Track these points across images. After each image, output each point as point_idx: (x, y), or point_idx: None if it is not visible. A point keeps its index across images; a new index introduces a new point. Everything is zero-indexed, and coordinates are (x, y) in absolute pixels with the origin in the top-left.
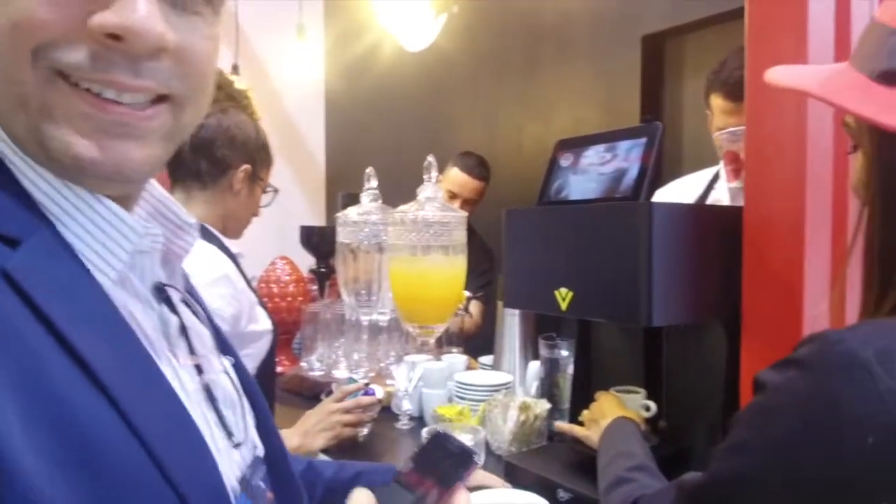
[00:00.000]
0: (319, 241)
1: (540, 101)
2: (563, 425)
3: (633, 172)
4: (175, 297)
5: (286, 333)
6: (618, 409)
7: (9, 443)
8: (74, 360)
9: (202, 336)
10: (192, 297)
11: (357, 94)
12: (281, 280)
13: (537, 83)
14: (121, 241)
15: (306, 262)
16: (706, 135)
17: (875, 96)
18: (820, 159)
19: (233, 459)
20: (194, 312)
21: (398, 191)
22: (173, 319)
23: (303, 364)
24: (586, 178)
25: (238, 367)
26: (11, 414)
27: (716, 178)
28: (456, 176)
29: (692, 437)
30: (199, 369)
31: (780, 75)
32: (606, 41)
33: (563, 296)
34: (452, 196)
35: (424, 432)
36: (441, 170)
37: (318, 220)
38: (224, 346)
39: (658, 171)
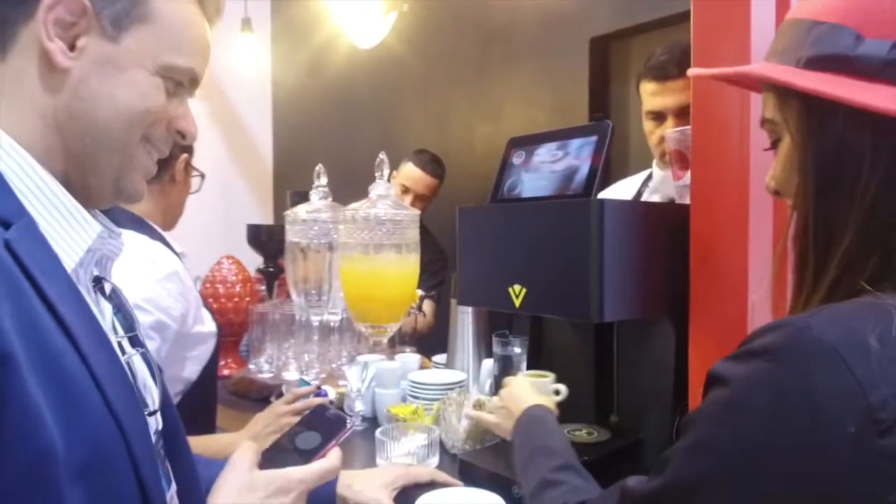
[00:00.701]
0: (267, 239)
1: (490, 101)
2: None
3: (584, 170)
4: (107, 289)
5: (233, 335)
6: (530, 394)
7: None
8: (57, 321)
9: (125, 324)
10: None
11: (306, 90)
12: (227, 280)
13: (488, 83)
14: (83, 236)
15: (254, 261)
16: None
17: (808, 77)
18: (762, 157)
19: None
20: (121, 304)
21: (349, 189)
22: (108, 306)
23: (251, 366)
24: (538, 175)
25: (147, 356)
26: (19, 349)
27: (649, 177)
28: (410, 171)
29: (643, 431)
30: (121, 348)
31: (702, 70)
32: (555, 43)
33: (517, 293)
34: (405, 191)
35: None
36: (395, 167)
37: (266, 219)
38: (137, 338)
39: (608, 169)
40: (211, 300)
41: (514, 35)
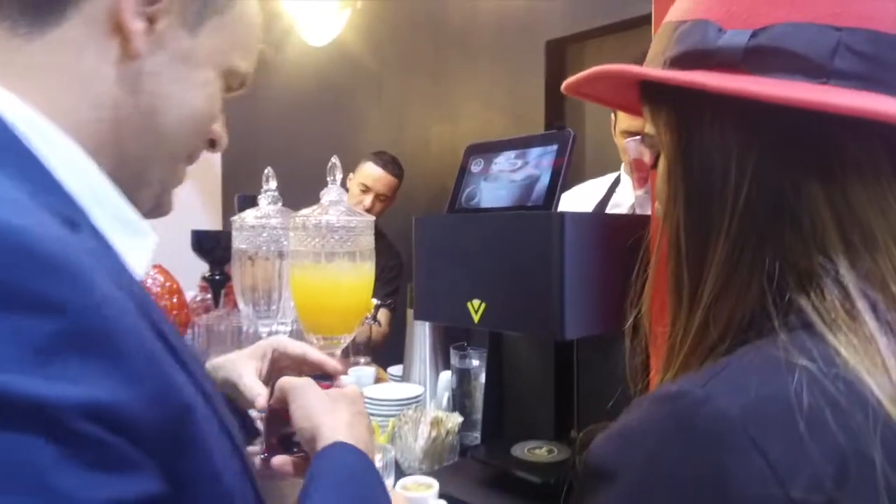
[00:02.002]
0: (212, 246)
1: (447, 102)
2: None
3: (544, 180)
4: None
5: None
6: None
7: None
8: (168, 348)
9: None
10: None
11: (256, 88)
12: (152, 292)
13: (444, 83)
14: (143, 248)
15: (202, 268)
16: (607, 141)
17: (672, 74)
18: None
19: None
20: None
21: (300, 193)
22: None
23: None
24: (497, 185)
25: None
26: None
27: (617, 181)
28: (370, 170)
29: None
30: None
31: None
32: (511, 45)
33: (476, 307)
34: (365, 190)
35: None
36: (349, 170)
37: (215, 224)
38: None
39: (568, 178)
40: None
41: (470, 36)
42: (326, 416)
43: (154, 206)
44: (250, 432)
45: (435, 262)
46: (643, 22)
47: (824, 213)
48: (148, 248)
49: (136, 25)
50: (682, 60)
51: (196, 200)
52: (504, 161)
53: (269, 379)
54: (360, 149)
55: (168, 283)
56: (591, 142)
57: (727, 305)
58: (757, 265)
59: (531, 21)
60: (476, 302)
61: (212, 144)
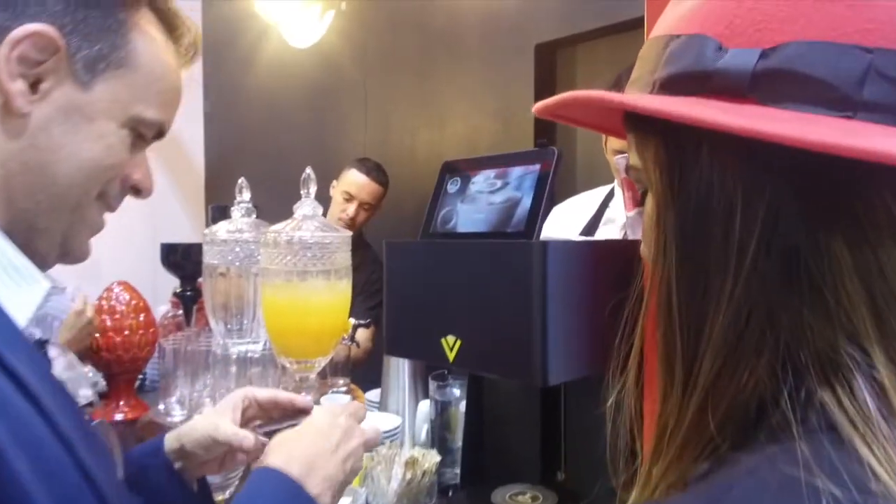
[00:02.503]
0: (182, 259)
1: (434, 107)
2: None
3: (525, 204)
4: (52, 353)
5: (124, 374)
6: None
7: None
8: (28, 397)
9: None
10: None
11: (238, 92)
12: (115, 311)
13: (431, 88)
14: (31, 296)
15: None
16: (600, 151)
17: (656, 101)
18: None
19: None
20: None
21: (285, 202)
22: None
23: (160, 407)
24: (475, 207)
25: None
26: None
27: (610, 195)
28: (354, 177)
29: (591, 492)
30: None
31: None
32: (500, 48)
33: (451, 344)
34: (349, 198)
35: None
36: (334, 177)
37: (199, 235)
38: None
39: (553, 199)
40: (97, 335)
41: (457, 38)
42: (293, 439)
43: (60, 254)
44: (207, 498)
45: (407, 292)
46: (636, 25)
47: (851, 285)
48: (34, 298)
49: (15, 86)
50: (675, 84)
51: (178, 210)
52: (483, 181)
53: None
54: (346, 155)
55: (134, 301)
56: (582, 152)
57: (729, 390)
58: (766, 343)
59: (520, 23)
60: (451, 338)
61: (136, 191)
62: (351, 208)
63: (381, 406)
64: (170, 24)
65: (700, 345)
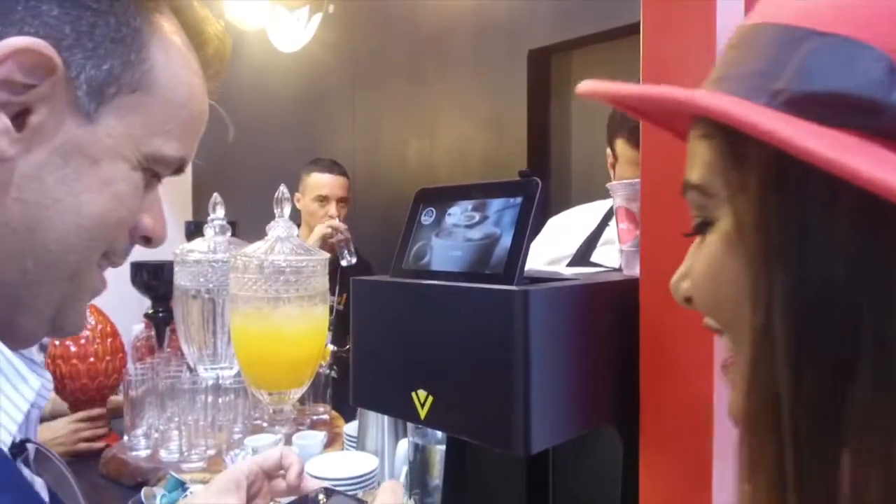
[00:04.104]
0: (152, 280)
1: (424, 114)
2: None
3: (505, 242)
4: (31, 451)
5: (91, 402)
6: None
7: None
8: None
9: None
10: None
11: (226, 99)
12: (80, 336)
13: (421, 95)
14: (17, 400)
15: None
16: (596, 160)
17: (807, 133)
18: None
19: None
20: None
21: (273, 214)
22: (38, 481)
23: (124, 440)
24: (451, 243)
25: None
26: None
27: (610, 213)
28: (319, 179)
29: None
30: None
31: (597, 86)
32: (492, 53)
33: (422, 400)
34: (324, 200)
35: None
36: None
37: None
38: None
39: (533, 237)
40: (59, 362)
41: (447, 44)
42: None
43: (51, 329)
44: None
45: (375, 337)
46: (633, 30)
47: None
48: (20, 403)
49: None
50: (817, 106)
51: (170, 224)
52: (459, 213)
53: None
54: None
55: (100, 325)
56: (578, 160)
57: None
58: None
59: (512, 28)
60: (422, 393)
61: (146, 241)
62: (331, 209)
63: (359, 444)
64: (195, 30)
65: (830, 450)
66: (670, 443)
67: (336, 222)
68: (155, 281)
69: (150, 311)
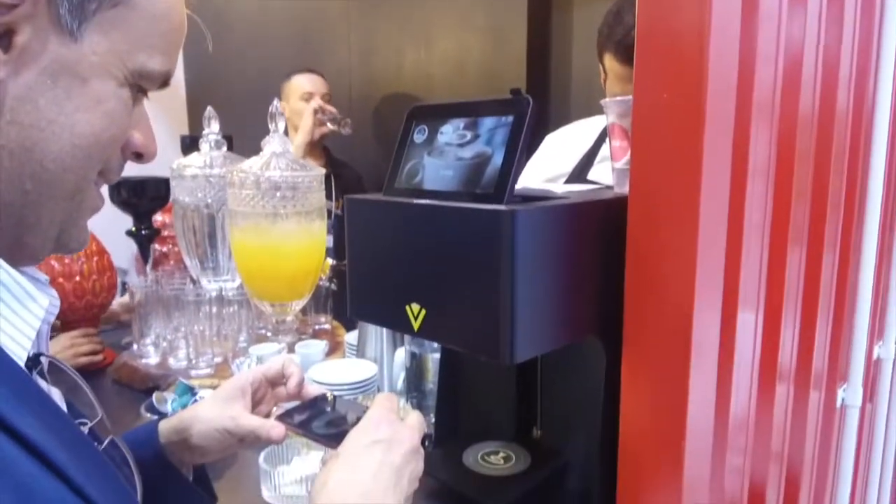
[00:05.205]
0: (131, 197)
1: (420, 24)
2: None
3: (496, 161)
4: (45, 364)
5: (81, 322)
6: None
7: None
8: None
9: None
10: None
11: (220, 14)
12: (64, 255)
13: (417, 2)
14: (29, 317)
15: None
16: (597, 70)
17: None
18: (721, 136)
19: None
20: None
21: (265, 126)
22: (54, 391)
23: (133, 349)
24: (443, 162)
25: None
26: None
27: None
28: (301, 80)
29: (568, 452)
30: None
31: None
32: None
33: (415, 313)
34: (309, 97)
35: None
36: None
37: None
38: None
39: (525, 157)
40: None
41: None
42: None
43: (56, 247)
44: (206, 486)
45: (370, 254)
46: None
47: None
48: (31, 321)
49: None
50: None
51: (159, 139)
52: (451, 131)
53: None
54: (330, 73)
55: (87, 245)
56: (578, 71)
57: None
58: None
59: None
60: (415, 307)
61: (138, 157)
62: (316, 102)
63: (359, 352)
64: None
65: None
66: (651, 354)
67: (323, 103)
68: (135, 198)
69: (133, 229)
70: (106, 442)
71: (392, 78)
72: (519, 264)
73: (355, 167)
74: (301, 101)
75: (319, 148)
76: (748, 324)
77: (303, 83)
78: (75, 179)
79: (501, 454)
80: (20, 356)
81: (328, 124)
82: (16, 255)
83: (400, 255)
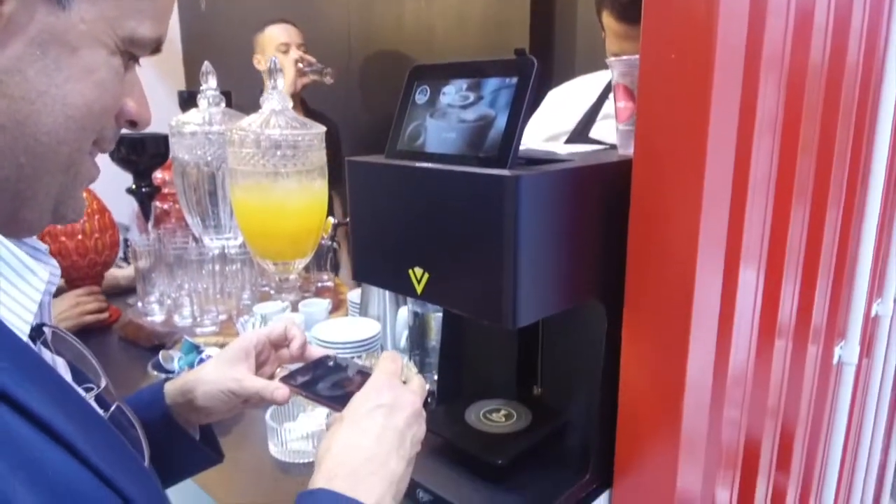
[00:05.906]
0: (131, 154)
1: None
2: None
3: (500, 124)
4: (48, 334)
5: (84, 279)
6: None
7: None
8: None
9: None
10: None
11: None
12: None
13: None
14: (30, 290)
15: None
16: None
17: None
18: (728, 96)
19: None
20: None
21: (262, 82)
22: (59, 360)
23: (138, 306)
24: (446, 124)
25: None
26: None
27: (610, 85)
28: (275, 31)
29: (568, 411)
30: (100, 401)
31: None
32: None
33: (418, 277)
34: (286, 48)
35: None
36: (317, 56)
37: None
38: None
39: (533, 108)
40: (47, 238)
41: None
42: (349, 444)
43: (53, 219)
44: (213, 445)
45: (372, 217)
46: None
47: None
48: (32, 294)
49: None
50: None
51: (156, 95)
52: (454, 92)
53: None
54: (325, 28)
55: (88, 203)
56: (583, 26)
57: None
58: None
59: None
60: (418, 270)
61: (132, 125)
62: (295, 53)
63: (362, 311)
64: None
65: None
66: (652, 315)
67: (302, 53)
68: (135, 156)
69: (133, 187)
70: (113, 408)
71: (392, 30)
72: (522, 229)
73: (332, 118)
74: (278, 53)
75: (297, 100)
76: (749, 282)
77: (278, 34)
78: (70, 151)
79: (503, 412)
80: (23, 330)
81: (310, 75)
82: (13, 228)
83: (403, 218)
